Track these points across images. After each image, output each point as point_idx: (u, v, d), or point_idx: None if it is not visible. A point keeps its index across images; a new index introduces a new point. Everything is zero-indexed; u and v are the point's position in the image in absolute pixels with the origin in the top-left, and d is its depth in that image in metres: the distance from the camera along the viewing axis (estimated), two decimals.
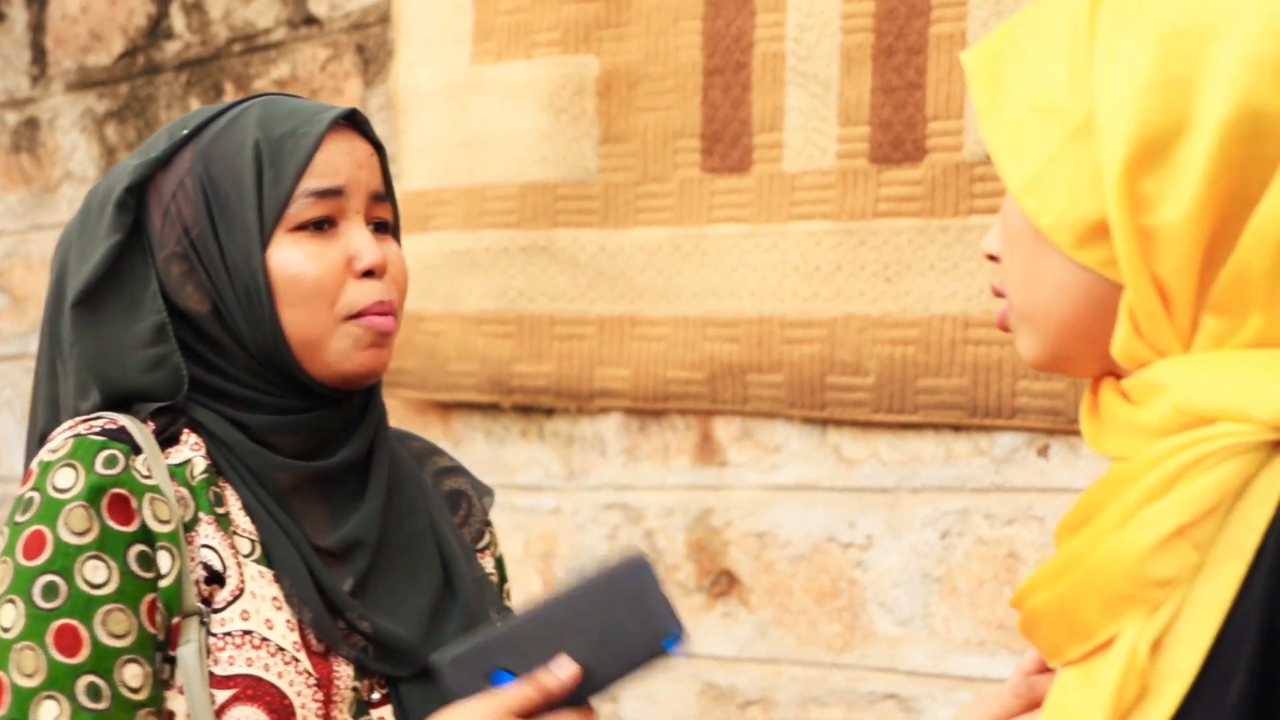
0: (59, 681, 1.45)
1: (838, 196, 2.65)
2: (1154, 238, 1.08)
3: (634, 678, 1.47)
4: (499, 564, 1.77)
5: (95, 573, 1.46)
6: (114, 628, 1.46)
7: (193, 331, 1.57)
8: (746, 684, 2.83)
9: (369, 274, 1.56)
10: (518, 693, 1.42)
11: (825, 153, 2.66)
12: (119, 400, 1.57)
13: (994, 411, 2.54)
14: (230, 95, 3.44)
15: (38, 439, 1.61)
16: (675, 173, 2.83)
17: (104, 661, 1.45)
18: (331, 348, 1.55)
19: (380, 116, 3.22)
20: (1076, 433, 2.48)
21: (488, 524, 1.76)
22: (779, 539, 2.80)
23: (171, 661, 1.50)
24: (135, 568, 1.47)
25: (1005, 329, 1.22)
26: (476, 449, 3.12)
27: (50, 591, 1.46)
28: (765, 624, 2.81)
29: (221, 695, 1.48)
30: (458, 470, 1.77)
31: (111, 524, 1.47)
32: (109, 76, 3.68)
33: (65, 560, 1.46)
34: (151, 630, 1.47)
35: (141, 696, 1.47)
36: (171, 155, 1.58)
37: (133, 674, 1.46)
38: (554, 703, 1.43)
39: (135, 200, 1.57)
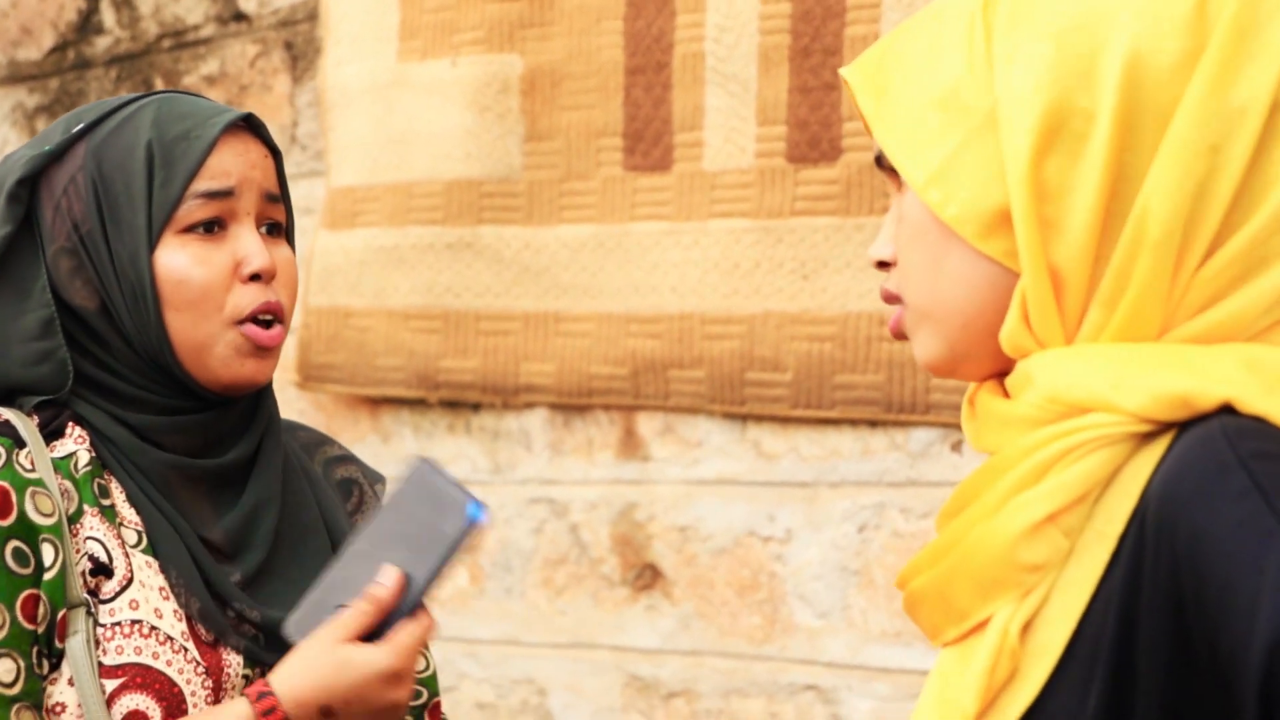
0: None
1: (756, 195, 2.68)
2: (1055, 226, 1.11)
3: (455, 562, 1.53)
4: None
5: None
6: None
7: (81, 327, 1.57)
8: (670, 675, 2.86)
9: (256, 278, 1.56)
10: (352, 614, 1.47)
11: (744, 152, 2.69)
12: (3, 392, 1.57)
13: (909, 407, 2.57)
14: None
15: None
16: (598, 170, 2.85)
17: None
18: (215, 354, 1.55)
19: (308, 113, 3.23)
20: None
21: None
22: (701, 533, 2.83)
23: (59, 654, 1.50)
24: (11, 563, 1.47)
25: (900, 336, 1.24)
26: (404, 443, 3.14)
27: None
28: (688, 616, 2.84)
29: (110, 684, 1.48)
30: (348, 459, 1.77)
31: None
32: (39, 71, 3.67)
33: None
34: (27, 625, 1.47)
35: (14, 691, 1.46)
36: (65, 149, 1.57)
37: (5, 669, 1.46)
38: (390, 614, 1.47)
39: (28, 192, 1.56)
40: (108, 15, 3.55)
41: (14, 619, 1.46)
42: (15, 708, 1.47)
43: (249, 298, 1.55)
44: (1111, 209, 1.10)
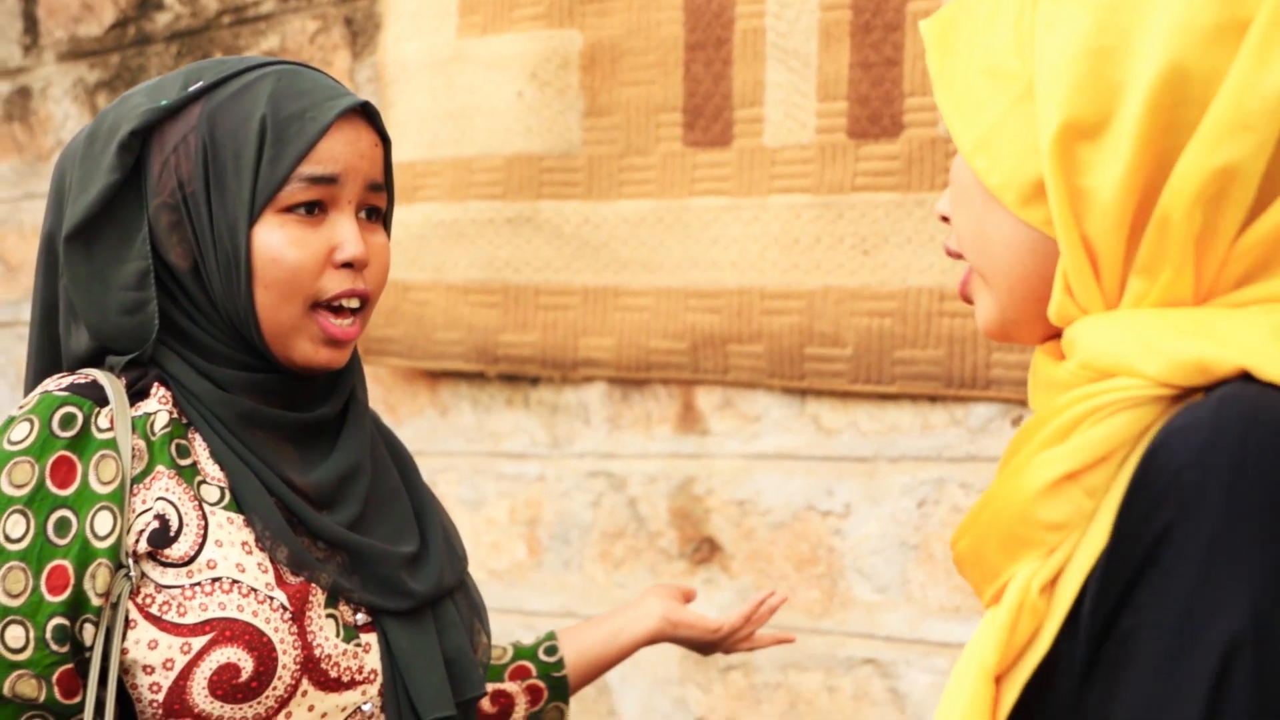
0: None
1: (817, 170, 2.68)
2: (1087, 199, 1.12)
3: None
4: None
5: (15, 527, 1.49)
6: (10, 586, 1.48)
7: (175, 281, 1.59)
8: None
9: (347, 265, 1.58)
10: None
11: (805, 127, 2.69)
12: (95, 349, 1.60)
13: (969, 382, 2.57)
14: None
15: (34, 373, 1.66)
16: (658, 146, 2.86)
17: None
18: (293, 339, 1.57)
19: (368, 89, 3.24)
20: None
21: None
22: (759, 507, 2.83)
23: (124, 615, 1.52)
24: (50, 532, 1.49)
25: (968, 299, 1.26)
26: (463, 417, 3.15)
27: None
28: (746, 590, 2.84)
29: (198, 641, 1.50)
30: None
31: (49, 484, 1.50)
32: (100, 46, 3.70)
33: None
34: (50, 596, 1.48)
35: (20, 658, 1.48)
36: (182, 106, 1.58)
37: (14, 635, 1.48)
38: None
39: (139, 143, 1.58)
40: None
41: (35, 587, 1.48)
42: (16, 674, 1.48)
43: (336, 283, 1.57)
44: (1145, 182, 1.11)
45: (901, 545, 2.69)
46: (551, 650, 1.88)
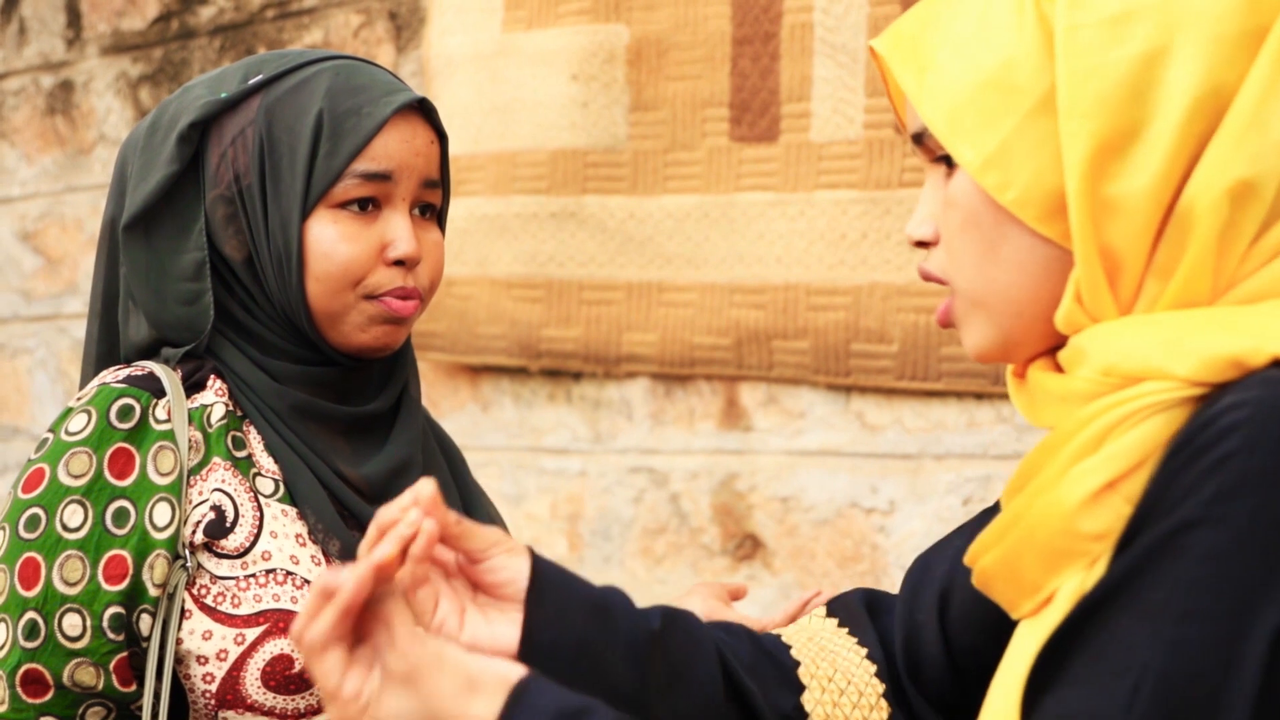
0: (11, 608, 1.50)
1: (864, 166, 2.68)
2: (1114, 208, 1.11)
3: None
4: None
5: (73, 517, 1.50)
6: (68, 575, 1.49)
7: (230, 273, 1.60)
8: None
9: (399, 263, 1.58)
10: None
11: (852, 122, 2.69)
12: (152, 340, 1.61)
13: None
14: None
15: (92, 361, 1.67)
16: (704, 141, 2.85)
17: (49, 604, 1.49)
18: (348, 322, 1.58)
19: (412, 83, 3.24)
20: None
21: None
22: (803, 504, 2.82)
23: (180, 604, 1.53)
24: (109, 522, 1.50)
25: (947, 325, 1.23)
26: (505, 412, 3.15)
27: (32, 524, 1.50)
28: (789, 587, 2.84)
29: (252, 632, 1.51)
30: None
31: (107, 474, 1.51)
32: (143, 40, 3.71)
33: (53, 498, 1.50)
34: (107, 585, 1.50)
35: (78, 646, 1.50)
36: (241, 99, 1.59)
37: (71, 623, 1.49)
38: None
39: (199, 134, 1.59)
40: None
41: (93, 576, 1.50)
42: (75, 662, 1.50)
43: (387, 279, 1.58)
44: (1175, 190, 1.10)
45: None
46: None
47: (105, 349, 1.66)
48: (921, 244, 1.23)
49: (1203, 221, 1.09)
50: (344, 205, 1.56)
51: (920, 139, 1.21)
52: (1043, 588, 1.13)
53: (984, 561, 1.17)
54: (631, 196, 2.93)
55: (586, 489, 3.08)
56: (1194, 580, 1.00)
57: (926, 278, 1.24)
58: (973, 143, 1.15)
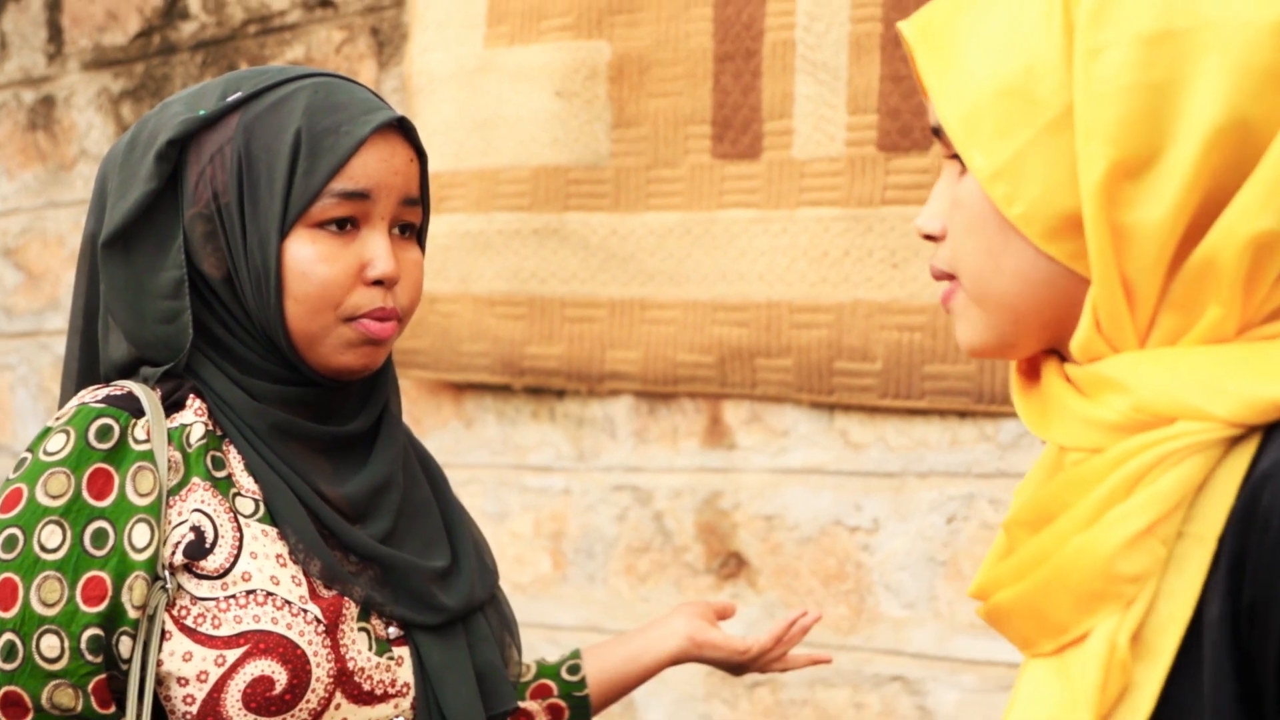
0: None
1: (846, 183, 2.67)
2: (1129, 237, 1.09)
3: None
4: None
5: (51, 538, 1.49)
6: (46, 596, 1.48)
7: (210, 292, 1.58)
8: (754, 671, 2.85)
9: (378, 283, 1.56)
10: None
11: (834, 140, 2.68)
12: (131, 359, 1.60)
13: (999, 398, 2.55)
14: None
15: (73, 377, 1.66)
16: (686, 158, 2.85)
17: (26, 625, 1.47)
18: (326, 344, 1.56)
19: (394, 99, 3.24)
20: None
21: None
22: (786, 522, 2.82)
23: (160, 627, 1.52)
24: (88, 543, 1.49)
25: (948, 310, 1.22)
26: (488, 430, 3.14)
27: (10, 544, 1.49)
28: (773, 605, 2.83)
29: (233, 654, 1.49)
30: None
31: (86, 495, 1.49)
32: (125, 56, 3.70)
33: (31, 518, 1.49)
34: (86, 607, 1.48)
35: (56, 668, 1.48)
36: (219, 116, 1.57)
37: (49, 644, 1.48)
38: None
39: (177, 152, 1.57)
40: (193, 1, 3.57)
41: (71, 597, 1.48)
42: (53, 684, 1.48)
43: (366, 299, 1.56)
44: (1191, 223, 1.09)
45: (930, 561, 2.67)
46: (574, 669, 1.87)
47: (85, 365, 1.65)
48: (929, 237, 1.22)
49: (1228, 268, 1.07)
50: (322, 225, 1.55)
51: (939, 132, 1.19)
52: (1070, 629, 1.11)
53: (999, 598, 1.15)
54: (614, 213, 2.92)
55: (570, 507, 3.07)
56: None
57: (935, 274, 1.22)
58: (985, 150, 1.12)
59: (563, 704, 1.86)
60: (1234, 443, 1.07)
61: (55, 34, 3.84)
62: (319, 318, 1.55)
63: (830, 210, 2.69)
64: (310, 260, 1.54)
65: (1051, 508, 1.12)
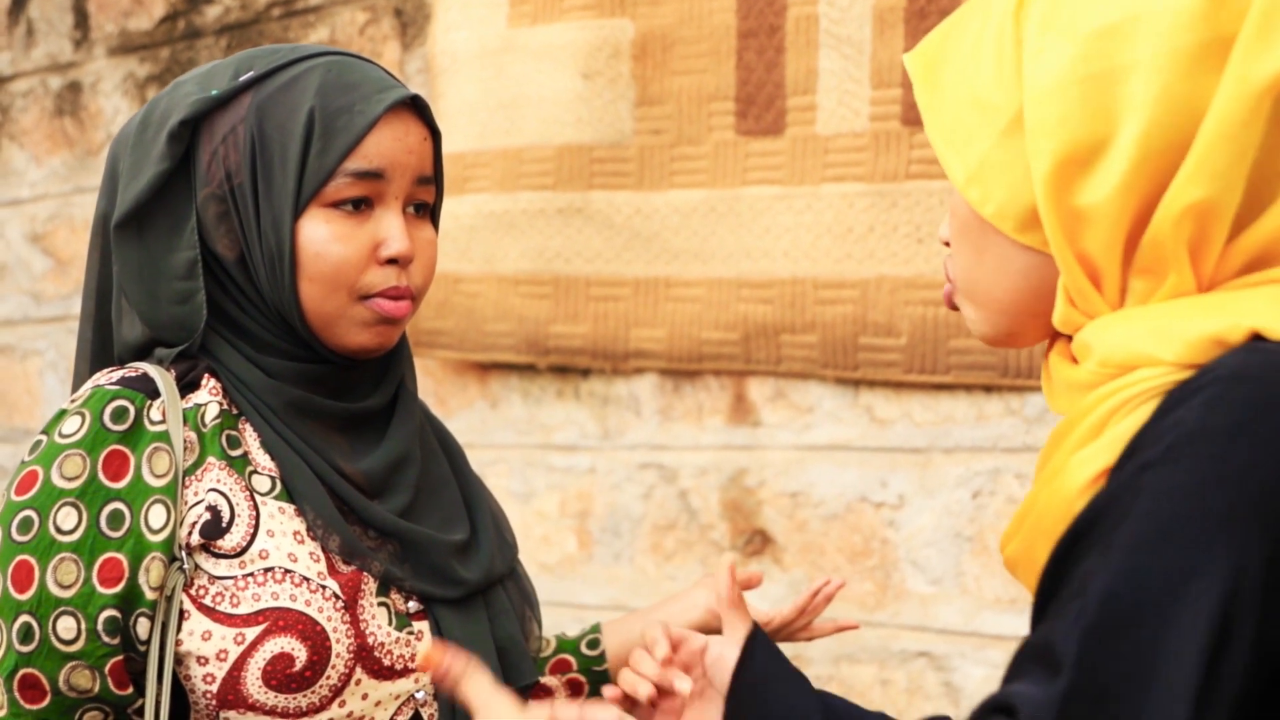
0: (4, 612, 1.48)
1: (870, 159, 2.67)
2: (1082, 220, 1.16)
3: None
4: None
5: (67, 519, 1.49)
6: (62, 577, 1.48)
7: (224, 271, 1.58)
8: (780, 641, 2.85)
9: (392, 261, 1.56)
10: None
11: (858, 115, 2.68)
12: (145, 340, 1.60)
13: (1025, 372, 2.55)
14: None
15: (86, 359, 1.66)
16: (710, 135, 2.84)
17: (42, 607, 1.48)
18: (341, 324, 1.56)
19: (418, 80, 3.24)
20: None
21: None
22: (812, 498, 2.82)
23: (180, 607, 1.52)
24: (104, 524, 1.49)
25: (952, 307, 1.31)
26: (513, 409, 3.14)
27: (25, 526, 1.49)
28: (798, 582, 2.83)
29: (252, 631, 1.49)
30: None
31: (101, 477, 1.50)
32: (150, 41, 3.71)
33: (47, 500, 1.49)
34: (102, 588, 1.48)
35: (73, 649, 1.48)
36: (232, 96, 1.57)
37: (66, 626, 1.48)
38: None
39: (189, 132, 1.57)
40: None
41: (88, 579, 1.48)
42: (70, 665, 1.49)
43: (381, 278, 1.56)
44: (1140, 200, 1.15)
45: (956, 537, 2.67)
46: (594, 644, 1.87)
47: (98, 347, 1.65)
48: (948, 244, 1.30)
49: (1168, 241, 1.14)
50: (336, 204, 1.55)
51: None
52: None
53: (1008, 550, 1.24)
54: (638, 192, 2.92)
55: (595, 486, 3.07)
56: (1146, 513, 1.05)
57: (948, 276, 1.31)
58: (959, 158, 1.22)
59: (582, 679, 1.86)
60: None
61: (81, 20, 3.85)
62: (333, 297, 1.55)
63: (855, 186, 2.69)
64: (324, 240, 1.54)
65: (1040, 464, 1.21)
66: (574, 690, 1.85)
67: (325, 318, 1.56)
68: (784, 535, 2.85)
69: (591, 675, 1.86)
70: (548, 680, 1.84)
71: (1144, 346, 1.13)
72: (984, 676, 2.65)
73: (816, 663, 2.81)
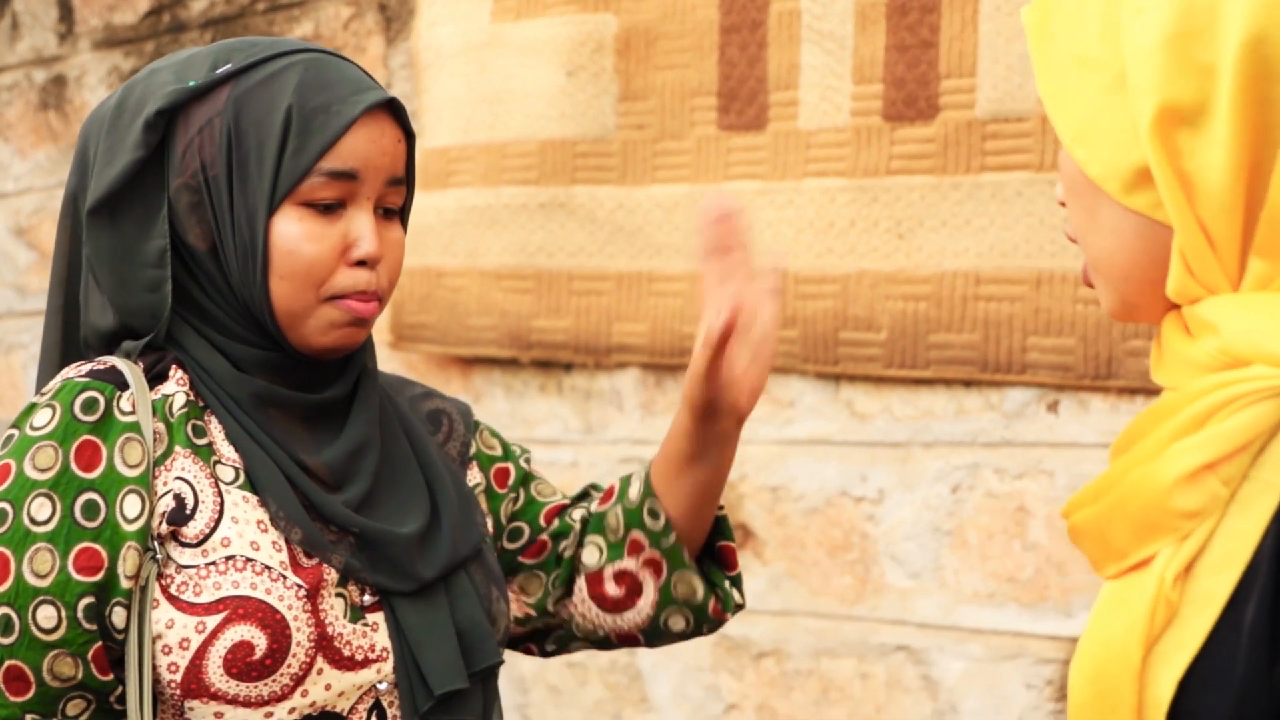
0: None
1: (852, 154, 2.68)
2: (1193, 182, 1.12)
3: None
4: (506, 451, 1.80)
5: (40, 510, 1.49)
6: (38, 567, 1.48)
7: (194, 261, 1.59)
8: (760, 635, 2.86)
9: (362, 263, 1.57)
10: None
11: (840, 110, 2.68)
12: (113, 330, 1.60)
13: (1004, 367, 2.56)
14: None
15: (56, 344, 1.65)
16: (692, 130, 2.85)
17: (20, 598, 1.48)
18: (309, 324, 1.57)
19: (402, 74, 3.24)
20: (1086, 388, 2.50)
21: (473, 430, 1.79)
22: (792, 493, 2.82)
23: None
24: (78, 514, 1.50)
25: (1089, 284, 1.27)
26: (496, 403, 3.15)
27: None
28: (779, 576, 2.83)
29: (213, 619, 1.50)
30: (431, 394, 1.80)
31: (74, 467, 1.50)
32: (135, 35, 3.71)
33: (20, 492, 1.49)
34: (79, 576, 1.49)
35: (54, 638, 1.49)
36: (209, 88, 1.57)
37: (46, 615, 1.48)
38: None
39: (165, 122, 1.57)
40: None
41: (63, 567, 1.49)
42: (53, 654, 1.49)
43: (350, 280, 1.57)
44: (1252, 163, 1.11)
45: (935, 531, 2.68)
46: (654, 513, 1.75)
47: (65, 331, 1.65)
48: (1064, 204, 1.27)
49: None
50: (309, 204, 1.55)
51: None
52: (1129, 555, 1.14)
53: (1076, 518, 1.20)
54: (621, 186, 2.92)
55: (578, 480, 3.08)
56: None
57: (1070, 237, 1.27)
58: (1066, 117, 1.18)
59: (658, 556, 1.75)
60: None
61: (66, 13, 3.85)
62: (302, 296, 1.56)
63: (836, 181, 2.69)
64: (296, 238, 1.55)
65: (1134, 435, 1.16)
66: (654, 569, 1.75)
67: (293, 316, 1.56)
68: (764, 529, 2.85)
69: (664, 550, 1.75)
70: (627, 564, 1.75)
71: (1269, 343, 1.09)
72: (963, 670, 2.65)
73: (796, 657, 2.82)
